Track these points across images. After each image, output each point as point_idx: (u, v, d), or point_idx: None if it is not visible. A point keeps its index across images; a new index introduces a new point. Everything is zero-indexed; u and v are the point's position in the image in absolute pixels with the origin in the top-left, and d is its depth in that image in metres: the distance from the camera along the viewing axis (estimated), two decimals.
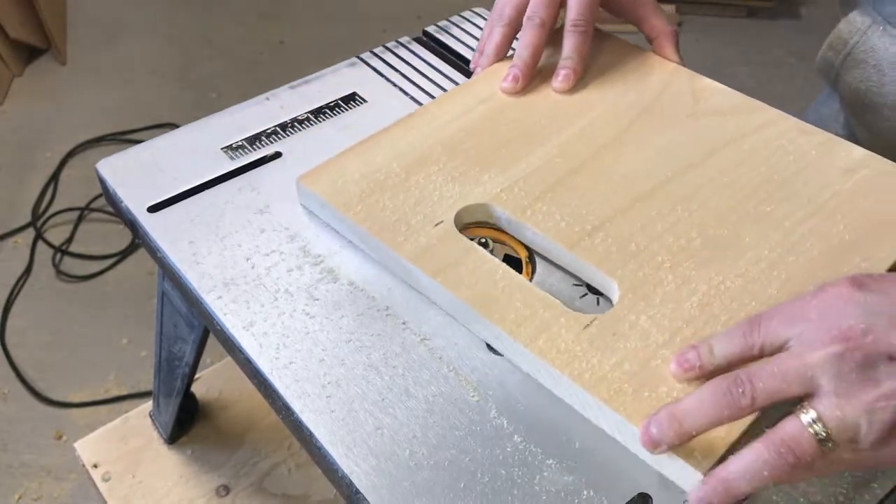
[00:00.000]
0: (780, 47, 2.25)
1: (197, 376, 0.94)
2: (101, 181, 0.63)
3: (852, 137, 0.60)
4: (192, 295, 0.55)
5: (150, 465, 0.89)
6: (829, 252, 0.52)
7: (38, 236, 1.72)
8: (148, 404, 0.93)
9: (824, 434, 0.38)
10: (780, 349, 0.41)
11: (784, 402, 0.40)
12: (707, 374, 0.44)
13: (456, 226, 0.55)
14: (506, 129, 0.62)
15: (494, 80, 0.66)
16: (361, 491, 0.44)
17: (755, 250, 0.53)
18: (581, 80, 0.66)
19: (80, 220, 1.77)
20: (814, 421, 0.38)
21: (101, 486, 0.88)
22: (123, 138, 1.94)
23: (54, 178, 1.85)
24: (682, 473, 0.43)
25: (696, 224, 0.55)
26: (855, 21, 0.65)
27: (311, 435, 0.47)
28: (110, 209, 0.64)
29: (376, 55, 0.75)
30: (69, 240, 1.73)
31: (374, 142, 0.61)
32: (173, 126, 1.92)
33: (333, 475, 0.46)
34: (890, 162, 0.58)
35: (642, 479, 0.45)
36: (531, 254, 0.57)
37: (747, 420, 0.43)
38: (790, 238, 0.53)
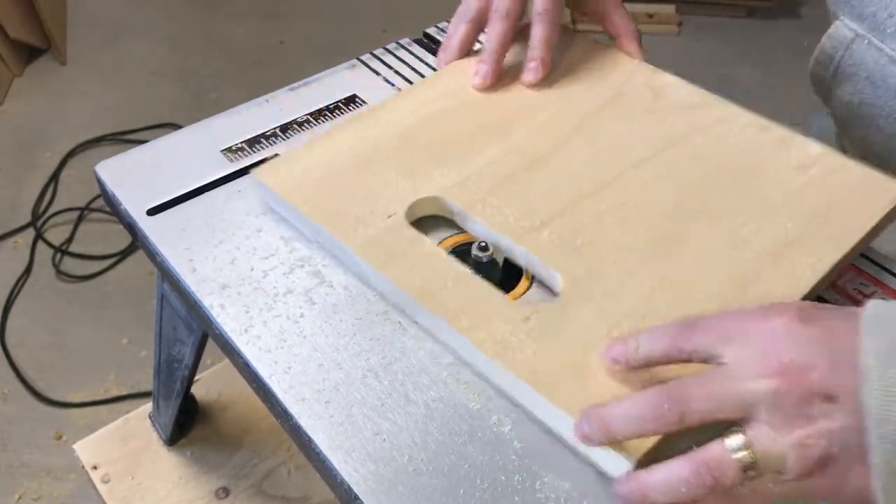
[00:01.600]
0: (780, 47, 2.25)
1: (196, 378, 0.94)
2: (100, 183, 0.63)
3: (843, 153, 0.59)
4: (191, 298, 0.55)
5: (150, 466, 0.89)
6: (772, 248, 0.53)
7: (38, 236, 1.72)
8: (148, 405, 0.93)
9: (750, 461, 0.39)
10: (709, 361, 0.41)
11: (715, 423, 0.40)
12: (632, 370, 0.44)
13: (408, 219, 0.56)
14: (464, 124, 0.62)
15: (457, 75, 0.66)
16: (360, 496, 0.44)
17: (699, 245, 0.53)
18: (564, 81, 0.66)
19: (80, 220, 1.77)
20: (741, 447, 0.39)
21: (101, 487, 0.87)
22: (123, 138, 1.94)
23: (54, 178, 1.85)
24: (610, 460, 0.44)
25: (643, 219, 0.55)
26: (837, 35, 0.64)
27: (309, 440, 0.47)
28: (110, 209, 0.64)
29: (376, 57, 0.74)
30: (69, 240, 1.73)
31: (332, 136, 0.62)
32: (173, 126, 1.92)
33: (332, 480, 0.46)
34: (843, 157, 0.59)
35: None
36: None
37: None
38: (736, 234, 0.54)
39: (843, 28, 0.63)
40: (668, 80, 0.66)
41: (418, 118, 0.63)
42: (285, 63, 2.18)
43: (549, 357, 0.47)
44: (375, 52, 0.75)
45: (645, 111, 0.63)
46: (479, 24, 0.67)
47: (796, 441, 0.38)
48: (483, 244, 0.55)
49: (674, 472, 0.40)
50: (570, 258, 0.53)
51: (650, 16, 2.30)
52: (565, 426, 0.45)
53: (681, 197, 0.56)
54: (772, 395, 0.38)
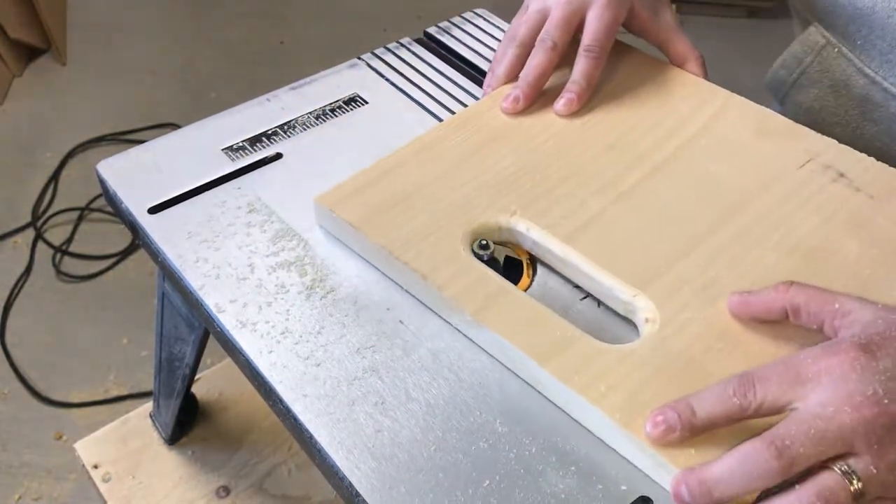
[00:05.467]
0: (780, 47, 2.24)
1: (197, 377, 0.94)
2: (102, 182, 0.63)
3: None
4: (193, 296, 0.55)
5: (151, 465, 0.89)
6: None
7: (38, 236, 1.72)
8: (148, 405, 0.93)
9: (860, 488, 0.40)
10: (779, 411, 0.42)
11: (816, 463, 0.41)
12: (688, 437, 0.43)
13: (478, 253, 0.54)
14: (531, 153, 0.60)
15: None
16: (361, 494, 0.44)
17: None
18: (630, 104, 0.64)
19: (80, 220, 1.77)
20: (850, 476, 0.40)
21: (101, 486, 0.87)
22: (123, 138, 1.94)
23: (54, 178, 1.85)
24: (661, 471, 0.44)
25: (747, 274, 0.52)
26: (808, 40, 0.64)
27: (311, 437, 0.47)
28: (110, 209, 0.63)
29: (377, 56, 0.75)
30: (69, 240, 1.73)
31: (393, 164, 0.59)
32: (173, 126, 1.92)
33: (333, 477, 0.46)
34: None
35: (644, 482, 0.45)
36: (532, 257, 0.57)
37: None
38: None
39: (816, 34, 0.63)
40: (765, 112, 0.63)
41: (476, 145, 0.61)
42: (285, 63, 2.18)
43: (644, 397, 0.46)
44: (376, 51, 0.75)
45: (739, 146, 0.60)
46: (527, 51, 0.64)
47: (893, 463, 0.40)
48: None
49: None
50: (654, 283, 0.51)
51: None
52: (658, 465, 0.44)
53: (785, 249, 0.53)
54: (865, 427, 0.40)
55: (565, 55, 0.64)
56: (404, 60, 0.74)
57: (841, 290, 0.47)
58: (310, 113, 0.68)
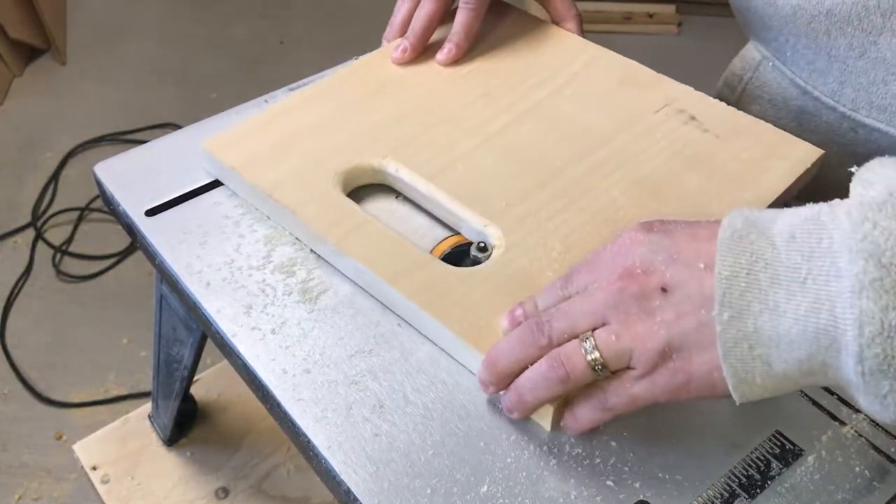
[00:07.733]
0: None
1: (196, 378, 0.94)
2: (99, 184, 0.63)
3: None
4: (190, 299, 0.55)
5: (149, 466, 0.89)
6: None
7: (38, 236, 1.72)
8: (147, 405, 0.93)
9: (599, 359, 0.42)
10: None
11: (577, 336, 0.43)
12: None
13: (345, 189, 0.58)
14: (408, 101, 0.64)
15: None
16: (359, 497, 0.44)
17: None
18: (507, 58, 0.68)
19: (80, 220, 1.77)
20: (592, 347, 0.42)
21: (100, 487, 0.88)
22: (123, 138, 1.94)
23: (54, 178, 1.85)
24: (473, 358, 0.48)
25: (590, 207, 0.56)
26: (746, 57, 0.66)
27: (308, 441, 0.47)
28: None
29: None
30: (69, 240, 1.73)
31: (278, 112, 0.63)
32: (173, 126, 1.92)
33: (331, 481, 0.46)
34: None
35: (642, 486, 0.45)
36: None
37: None
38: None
39: (753, 50, 0.65)
40: (632, 64, 0.67)
41: (363, 94, 0.65)
42: (285, 63, 2.18)
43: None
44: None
45: (603, 94, 0.64)
46: (418, 4, 0.69)
47: (637, 335, 0.41)
48: (482, 244, 0.55)
49: (535, 368, 0.44)
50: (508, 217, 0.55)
51: (650, 16, 2.30)
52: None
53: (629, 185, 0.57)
54: (614, 298, 0.42)
55: (450, 7, 0.69)
56: None
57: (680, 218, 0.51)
58: None
